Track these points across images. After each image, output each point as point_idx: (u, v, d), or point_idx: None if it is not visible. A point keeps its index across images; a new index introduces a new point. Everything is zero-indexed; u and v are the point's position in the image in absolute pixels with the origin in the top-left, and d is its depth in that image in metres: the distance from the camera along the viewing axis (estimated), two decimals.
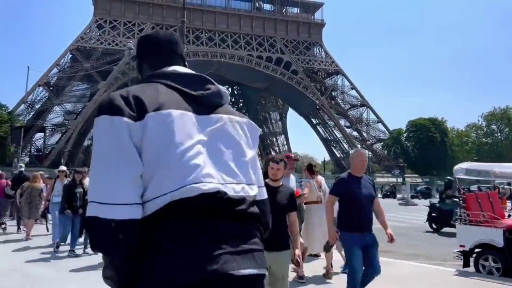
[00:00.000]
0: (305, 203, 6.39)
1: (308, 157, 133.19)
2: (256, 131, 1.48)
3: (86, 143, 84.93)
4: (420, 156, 67.00)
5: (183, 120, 1.19)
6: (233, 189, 1.19)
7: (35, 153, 64.97)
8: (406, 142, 71.57)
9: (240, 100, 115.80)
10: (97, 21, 72.62)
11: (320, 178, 6.75)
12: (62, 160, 60.71)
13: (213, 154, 1.21)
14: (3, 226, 10.12)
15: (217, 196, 1.14)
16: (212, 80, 1.40)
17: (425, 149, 65.93)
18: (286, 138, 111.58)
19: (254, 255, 1.17)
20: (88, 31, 71.88)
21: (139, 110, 1.15)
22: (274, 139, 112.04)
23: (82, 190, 7.67)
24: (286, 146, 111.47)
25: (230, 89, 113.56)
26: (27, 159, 61.95)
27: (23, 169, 12.33)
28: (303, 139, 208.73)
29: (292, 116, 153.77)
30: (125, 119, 1.12)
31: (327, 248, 4.86)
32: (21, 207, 9.59)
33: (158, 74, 1.35)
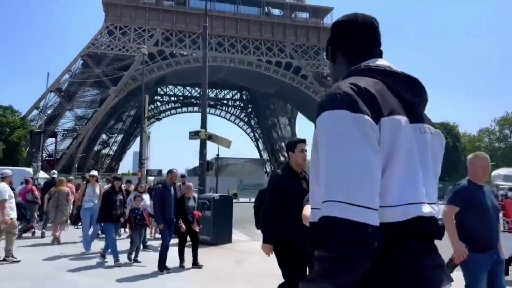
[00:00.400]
0: None
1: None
2: (443, 142, 1.31)
3: (96, 148, 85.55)
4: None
5: (407, 129, 1.10)
6: (434, 211, 1.14)
7: (46, 158, 65.38)
8: None
9: (249, 105, 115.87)
10: (108, 27, 73.26)
11: None
12: (74, 165, 61.16)
13: (423, 170, 1.13)
14: (32, 230, 10.08)
15: (431, 221, 1.11)
16: (424, 86, 1.24)
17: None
18: None
19: (444, 269, 1.15)
20: (99, 37, 72.54)
21: (374, 110, 1.05)
22: (283, 144, 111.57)
23: (122, 197, 7.55)
24: None
25: (238, 94, 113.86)
26: (38, 164, 62.31)
27: (55, 175, 12.42)
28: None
29: (301, 121, 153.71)
30: (369, 118, 1.03)
31: (451, 268, 3.75)
32: (49, 211, 9.74)
33: (371, 68, 1.23)
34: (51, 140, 66.40)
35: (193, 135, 10.62)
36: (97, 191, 8.56)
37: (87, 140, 68.19)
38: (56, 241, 9.37)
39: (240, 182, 45.23)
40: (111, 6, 74.01)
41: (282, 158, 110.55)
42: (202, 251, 7.65)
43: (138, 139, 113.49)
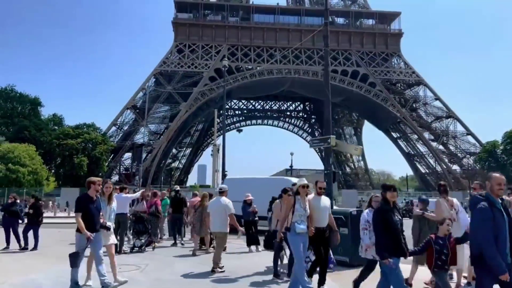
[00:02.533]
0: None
1: (384, 173, 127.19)
2: None
3: (168, 161, 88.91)
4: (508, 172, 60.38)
5: None
6: None
7: (124, 172, 68.99)
8: (503, 156, 65.04)
9: (312, 116, 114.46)
10: (177, 45, 76.42)
11: (452, 198, 6.93)
12: (149, 178, 63.79)
13: None
14: (153, 245, 10.12)
15: None
16: None
17: None
18: (362, 154, 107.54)
19: None
20: (169, 55, 75.85)
21: None
22: (349, 155, 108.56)
23: None
24: (362, 162, 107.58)
25: (301, 105, 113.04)
26: (116, 177, 66.01)
27: (178, 188, 12.59)
28: (379, 154, 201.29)
29: (367, 131, 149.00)
30: None
31: None
32: (194, 224, 10.16)
33: None
34: (127, 155, 70.20)
35: (317, 142, 9.96)
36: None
37: (160, 155, 71.00)
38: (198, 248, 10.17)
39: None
40: (180, 25, 77.31)
41: (348, 170, 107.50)
42: (340, 274, 7.21)
43: (204, 152, 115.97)
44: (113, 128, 69.35)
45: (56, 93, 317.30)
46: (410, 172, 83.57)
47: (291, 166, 42.76)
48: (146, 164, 67.84)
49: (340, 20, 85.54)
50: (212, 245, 10.60)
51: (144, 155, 71.37)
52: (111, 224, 6.56)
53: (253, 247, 10.27)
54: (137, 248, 9.74)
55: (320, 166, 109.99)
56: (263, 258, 8.73)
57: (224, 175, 24.66)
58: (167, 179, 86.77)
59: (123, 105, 70.63)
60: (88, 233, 5.76)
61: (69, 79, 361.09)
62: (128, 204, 9.86)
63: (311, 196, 6.19)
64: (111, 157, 64.99)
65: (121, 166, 70.52)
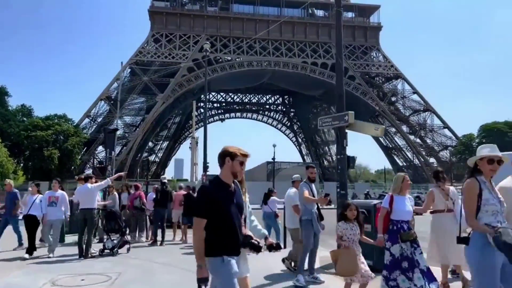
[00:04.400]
0: (432, 212, 6.10)
1: (361, 167, 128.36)
2: None
3: (143, 155, 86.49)
4: None
5: None
6: None
7: (97, 165, 66.44)
8: None
9: (291, 110, 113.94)
10: (154, 35, 74.00)
11: (449, 187, 6.40)
12: (124, 172, 61.50)
13: None
14: (127, 246, 8.76)
15: None
16: None
17: None
18: None
19: None
20: (145, 45, 73.36)
21: None
22: (327, 148, 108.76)
23: None
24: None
25: (280, 98, 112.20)
26: (90, 170, 63.52)
27: (166, 180, 11.36)
28: (356, 148, 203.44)
29: None
30: None
31: None
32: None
33: None
34: (101, 148, 67.63)
35: (329, 120, 8.58)
36: None
37: (136, 147, 68.78)
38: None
39: None
40: (157, 14, 74.83)
41: (326, 163, 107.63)
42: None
43: (182, 146, 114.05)
44: (86, 119, 66.69)
45: (24, 83, 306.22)
46: (386, 165, 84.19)
47: (273, 159, 41.71)
48: (121, 157, 65.58)
49: (320, 13, 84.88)
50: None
51: (119, 148, 69.07)
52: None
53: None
54: (108, 251, 8.32)
55: (298, 159, 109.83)
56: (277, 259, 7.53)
57: (206, 167, 23.45)
58: (143, 173, 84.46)
59: (97, 96, 67.99)
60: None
61: (38, 68, 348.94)
62: (95, 197, 8.37)
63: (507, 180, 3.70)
64: (84, 150, 62.43)
65: (95, 159, 67.91)
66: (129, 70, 72.46)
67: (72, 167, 54.88)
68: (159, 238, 10.37)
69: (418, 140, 76.44)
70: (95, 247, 8.58)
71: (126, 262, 7.63)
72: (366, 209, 6.81)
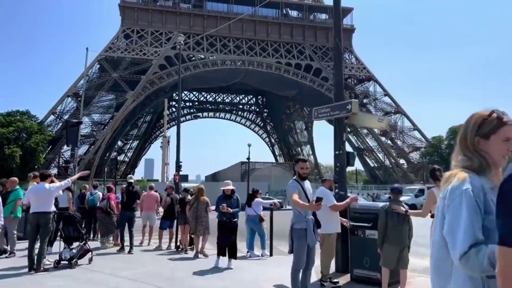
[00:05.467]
0: (433, 216, 4.56)
1: (333, 168, 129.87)
2: None
3: (112, 154, 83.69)
4: None
5: None
6: None
7: (63, 165, 63.58)
8: (447, 150, 67.62)
9: (265, 110, 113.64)
10: (125, 31, 71.71)
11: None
12: (91, 172, 59.18)
13: None
14: (89, 256, 7.64)
15: None
16: None
17: None
18: (312, 148, 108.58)
19: None
20: (115, 41, 70.94)
21: None
22: (299, 149, 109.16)
23: None
24: (312, 156, 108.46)
25: (254, 98, 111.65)
26: (55, 170, 60.63)
27: (132, 179, 10.24)
28: (328, 149, 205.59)
29: (318, 125, 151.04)
30: None
31: None
32: (189, 221, 8.98)
33: None
34: (67, 146, 64.83)
35: (326, 111, 7.58)
36: None
37: (105, 146, 66.31)
38: (202, 254, 8.78)
39: (268, 188, 42.58)
40: (128, 9, 72.58)
41: None
42: None
43: (152, 145, 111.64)
44: (52, 117, 63.63)
45: None
46: (357, 166, 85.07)
47: (248, 158, 40.92)
48: (89, 156, 63.05)
49: (294, 13, 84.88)
50: (191, 246, 9.47)
51: (86, 147, 66.37)
52: None
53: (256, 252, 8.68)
54: (66, 262, 7.16)
55: (271, 160, 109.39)
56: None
57: (179, 166, 22.38)
58: (111, 173, 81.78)
59: (63, 92, 65.07)
60: None
61: None
62: (52, 199, 7.17)
63: None
64: (49, 148, 59.52)
65: (61, 159, 64.99)
66: (98, 66, 69.86)
67: (36, 166, 51.98)
68: (127, 244, 9.34)
69: (389, 142, 77.60)
70: (51, 258, 7.42)
71: (86, 278, 6.48)
72: (373, 212, 5.83)
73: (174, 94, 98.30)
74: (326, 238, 5.87)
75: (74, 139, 12.44)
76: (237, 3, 78.86)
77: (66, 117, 65.51)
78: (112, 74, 67.11)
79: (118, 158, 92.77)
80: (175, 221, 10.31)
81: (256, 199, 8.95)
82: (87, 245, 7.48)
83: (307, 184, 4.98)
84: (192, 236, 9.62)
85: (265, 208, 9.15)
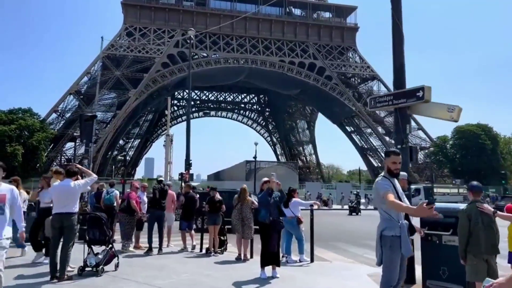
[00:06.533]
0: None
1: (333, 167, 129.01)
2: None
3: (113, 153, 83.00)
4: (468, 165, 62.43)
5: None
6: None
7: (65, 163, 62.86)
8: (452, 150, 67.07)
9: (267, 109, 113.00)
10: (127, 28, 71.07)
11: None
12: (93, 170, 58.49)
13: None
14: (116, 261, 6.92)
15: None
16: None
17: (474, 158, 61.52)
18: (314, 148, 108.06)
19: None
20: (118, 39, 70.24)
21: None
22: (301, 148, 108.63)
23: None
24: (314, 156, 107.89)
25: (256, 97, 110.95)
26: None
27: (162, 178, 9.76)
28: (329, 148, 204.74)
29: (320, 125, 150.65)
30: None
31: None
32: (234, 225, 8.43)
33: None
34: (70, 145, 64.12)
35: (387, 100, 6.84)
36: None
37: (107, 145, 65.61)
38: (243, 258, 8.32)
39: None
40: (130, 7, 71.92)
41: (300, 163, 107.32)
42: None
43: (154, 144, 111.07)
44: (54, 115, 62.90)
45: None
46: (358, 166, 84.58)
47: (255, 157, 40.26)
48: (91, 155, 62.28)
49: (297, 12, 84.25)
50: (223, 248, 9.06)
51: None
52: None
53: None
54: (91, 269, 6.49)
55: (273, 159, 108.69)
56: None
57: (188, 165, 21.75)
58: (113, 172, 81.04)
59: (66, 90, 64.33)
60: None
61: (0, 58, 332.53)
62: (77, 198, 6.49)
63: None
64: (51, 146, 58.81)
65: (63, 157, 64.25)
66: (100, 63, 69.09)
67: (38, 165, 51.40)
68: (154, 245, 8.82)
69: (392, 142, 76.85)
70: (73, 263, 6.72)
71: (116, 287, 5.79)
72: (453, 214, 4.94)
73: (176, 93, 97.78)
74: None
75: (89, 134, 11.76)
76: (240, 1, 78.28)
77: (68, 115, 64.94)
78: (114, 72, 66.40)
79: (120, 156, 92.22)
80: (194, 221, 9.86)
81: (294, 199, 8.26)
82: (113, 249, 6.78)
83: (397, 183, 4.22)
84: (222, 238, 9.02)
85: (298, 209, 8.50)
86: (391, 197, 3.90)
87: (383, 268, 4.01)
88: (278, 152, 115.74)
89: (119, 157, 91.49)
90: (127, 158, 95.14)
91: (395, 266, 3.94)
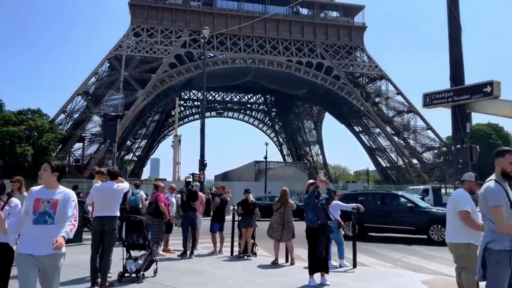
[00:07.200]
0: None
1: (340, 167, 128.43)
2: None
3: (122, 153, 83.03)
4: (479, 165, 61.71)
5: None
6: None
7: (73, 163, 62.95)
8: None
9: (273, 109, 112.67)
10: (135, 29, 71.07)
11: None
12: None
13: None
14: (154, 267, 6.64)
15: None
16: None
17: (485, 157, 60.84)
18: (321, 148, 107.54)
19: None
20: (125, 39, 70.17)
21: None
22: (308, 149, 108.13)
23: None
24: (320, 156, 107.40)
25: (262, 98, 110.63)
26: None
27: (191, 179, 9.48)
28: (335, 149, 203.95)
29: (327, 125, 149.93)
30: None
31: None
32: (274, 228, 8.17)
33: None
34: (78, 145, 64.20)
35: (445, 96, 6.47)
36: None
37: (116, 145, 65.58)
38: (291, 262, 8.18)
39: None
40: (137, 7, 71.91)
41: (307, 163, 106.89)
42: None
43: (160, 145, 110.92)
44: (62, 115, 62.97)
45: None
46: (364, 166, 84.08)
47: (265, 157, 40.01)
48: (99, 155, 62.34)
49: (304, 11, 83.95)
50: (253, 251, 8.79)
51: (96, 146, 65.69)
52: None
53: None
54: (131, 275, 6.18)
55: (279, 159, 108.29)
56: None
57: (203, 165, 21.48)
58: (121, 173, 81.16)
59: (74, 91, 64.39)
60: None
61: (10, 60, 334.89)
62: (119, 202, 6.18)
63: None
64: (59, 147, 58.87)
65: (71, 157, 64.37)
66: (108, 64, 69.22)
67: None
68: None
69: (401, 141, 76.41)
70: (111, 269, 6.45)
71: None
72: None
73: (183, 93, 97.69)
74: (463, 250, 4.63)
75: (113, 133, 11.50)
76: (247, 0, 78.00)
77: (76, 115, 64.99)
78: (122, 73, 66.27)
79: (127, 157, 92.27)
80: (224, 223, 9.63)
81: (334, 202, 7.94)
82: (152, 254, 6.52)
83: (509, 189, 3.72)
84: (253, 241, 8.77)
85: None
86: (501, 215, 3.47)
87: (487, 285, 3.64)
88: (285, 153, 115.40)
89: (127, 157, 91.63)
90: (134, 158, 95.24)
91: (502, 284, 3.55)
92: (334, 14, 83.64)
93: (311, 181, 6.96)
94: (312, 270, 6.23)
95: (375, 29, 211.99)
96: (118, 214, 6.05)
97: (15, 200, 3.98)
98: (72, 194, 3.84)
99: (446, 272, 6.94)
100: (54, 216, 3.60)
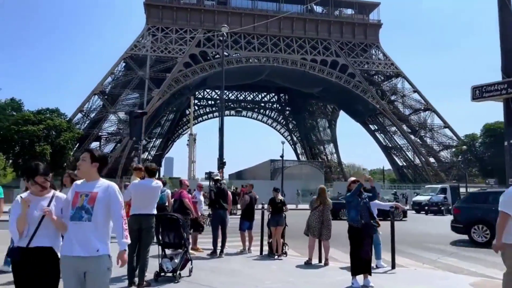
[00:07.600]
0: None
1: (354, 166, 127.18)
2: None
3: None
4: (498, 164, 60.44)
5: None
6: None
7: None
8: (481, 148, 65.07)
9: (287, 108, 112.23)
10: (150, 29, 71.50)
11: None
12: (119, 169, 59.08)
13: None
14: (190, 266, 6.54)
15: None
16: None
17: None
18: (335, 147, 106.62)
19: None
20: (141, 39, 70.77)
21: None
22: (322, 147, 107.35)
23: None
24: (335, 155, 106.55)
25: (276, 96, 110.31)
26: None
27: (219, 177, 9.33)
28: (349, 148, 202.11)
29: (341, 123, 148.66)
30: None
31: None
32: (313, 227, 8.05)
33: None
34: (95, 144, 64.88)
35: (496, 88, 6.30)
36: None
37: (131, 145, 66.13)
38: (325, 262, 8.05)
39: (300, 187, 41.25)
40: (153, 7, 72.34)
41: None
42: None
43: (175, 143, 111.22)
44: (79, 115, 63.79)
45: (14, 76, 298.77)
46: (379, 165, 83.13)
47: (282, 156, 39.83)
48: (116, 154, 62.95)
49: (319, 9, 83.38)
50: (283, 251, 8.69)
51: (112, 145, 66.36)
52: None
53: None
54: (167, 274, 6.08)
55: (293, 158, 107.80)
56: None
57: (222, 163, 21.33)
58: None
59: (90, 91, 65.18)
60: None
61: (28, 61, 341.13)
62: (156, 200, 6.07)
63: None
64: (77, 146, 59.63)
65: None
66: (123, 64, 69.83)
67: (65, 164, 52.11)
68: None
69: (418, 140, 75.32)
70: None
71: None
72: None
73: (197, 92, 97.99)
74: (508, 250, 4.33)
75: (138, 131, 11.43)
76: None
77: (92, 115, 65.77)
78: (137, 72, 66.88)
79: (142, 156, 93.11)
80: (254, 222, 9.51)
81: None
82: (188, 254, 6.41)
83: None
84: (283, 241, 8.62)
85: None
86: None
87: None
88: (299, 151, 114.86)
89: (143, 156, 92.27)
90: (149, 157, 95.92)
91: None
92: (349, 11, 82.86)
93: (353, 178, 6.76)
94: (355, 271, 6.01)
95: (390, 26, 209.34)
96: (155, 212, 5.95)
97: (60, 194, 3.47)
98: (115, 187, 3.30)
99: (489, 274, 6.66)
100: (92, 211, 3.13)
